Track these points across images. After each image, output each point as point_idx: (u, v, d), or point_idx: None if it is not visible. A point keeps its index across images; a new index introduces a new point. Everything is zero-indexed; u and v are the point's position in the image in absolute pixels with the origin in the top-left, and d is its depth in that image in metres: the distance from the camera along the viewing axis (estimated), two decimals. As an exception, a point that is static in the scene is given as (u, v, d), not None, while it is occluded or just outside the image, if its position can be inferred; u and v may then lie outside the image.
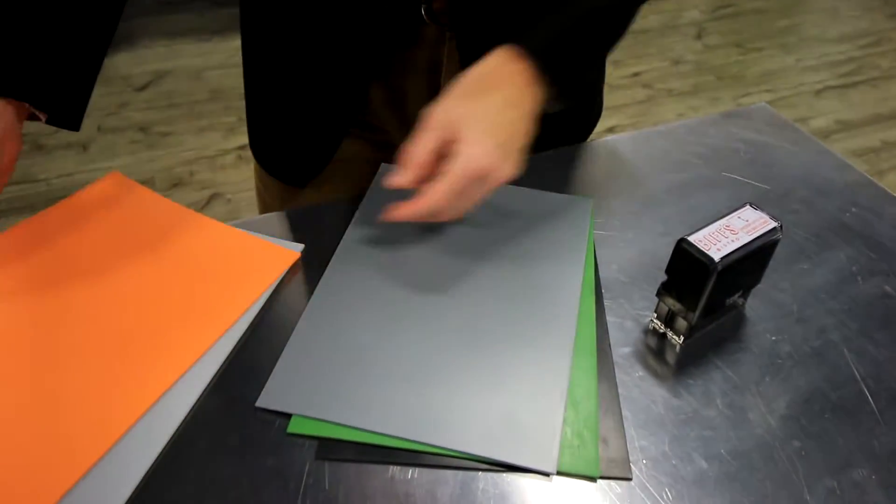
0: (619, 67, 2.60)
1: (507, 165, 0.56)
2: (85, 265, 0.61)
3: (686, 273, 0.55)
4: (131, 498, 0.47)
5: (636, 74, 2.58)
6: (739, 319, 0.61)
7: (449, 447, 0.50)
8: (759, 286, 0.61)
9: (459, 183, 0.55)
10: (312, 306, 0.59)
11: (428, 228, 0.66)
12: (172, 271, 0.61)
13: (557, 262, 0.64)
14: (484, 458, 0.49)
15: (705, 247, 0.53)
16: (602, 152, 0.79)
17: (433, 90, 0.76)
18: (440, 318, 0.59)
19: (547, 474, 0.49)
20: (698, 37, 2.88)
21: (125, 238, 0.64)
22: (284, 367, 0.54)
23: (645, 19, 2.93)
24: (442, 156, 0.57)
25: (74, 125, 0.66)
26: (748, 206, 0.57)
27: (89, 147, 2.17)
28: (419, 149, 0.57)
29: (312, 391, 0.53)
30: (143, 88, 2.43)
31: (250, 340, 0.57)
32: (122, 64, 2.55)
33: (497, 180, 0.57)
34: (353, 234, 0.66)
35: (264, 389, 0.53)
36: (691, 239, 0.54)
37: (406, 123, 0.80)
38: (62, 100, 0.65)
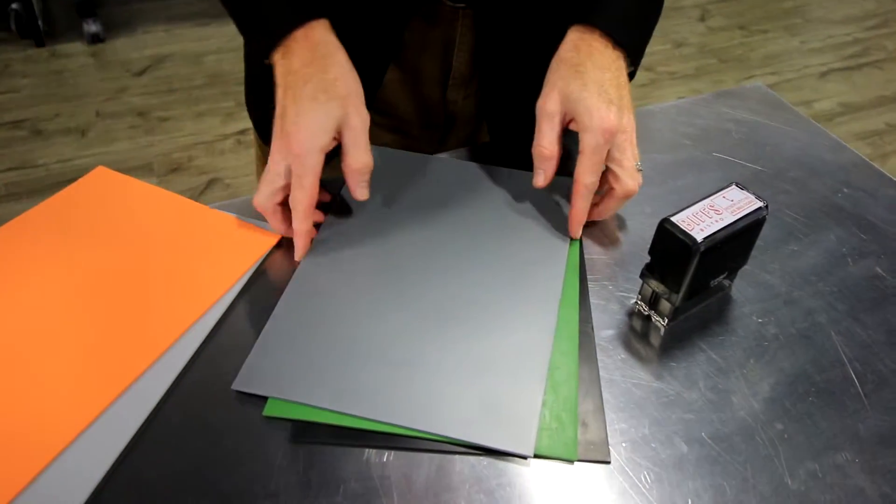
0: (622, 50, 2.57)
1: (626, 118, 0.59)
2: (68, 253, 0.61)
3: (669, 254, 0.54)
4: (105, 477, 0.46)
5: (638, 57, 2.55)
6: (726, 301, 0.60)
7: (426, 430, 0.49)
8: (746, 268, 0.60)
9: (596, 155, 0.59)
10: (291, 289, 0.58)
11: (410, 210, 0.66)
12: (152, 253, 0.61)
13: (540, 245, 0.63)
14: (461, 441, 0.49)
15: (688, 227, 0.52)
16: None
17: (446, 68, 0.76)
18: (420, 300, 0.58)
19: (524, 457, 0.48)
20: (702, 19, 2.84)
21: (109, 227, 0.64)
22: (261, 350, 0.54)
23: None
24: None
25: None
26: (734, 186, 0.56)
27: (88, 132, 2.17)
28: (546, 142, 0.61)
29: (289, 374, 0.52)
30: (141, 73, 2.42)
31: (228, 322, 0.56)
32: (121, 48, 2.54)
33: (625, 136, 0.59)
34: (335, 216, 0.65)
35: (240, 372, 0.52)
36: (674, 219, 0.53)
37: (420, 104, 0.79)
38: None
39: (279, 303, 0.57)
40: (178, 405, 0.51)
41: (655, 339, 0.57)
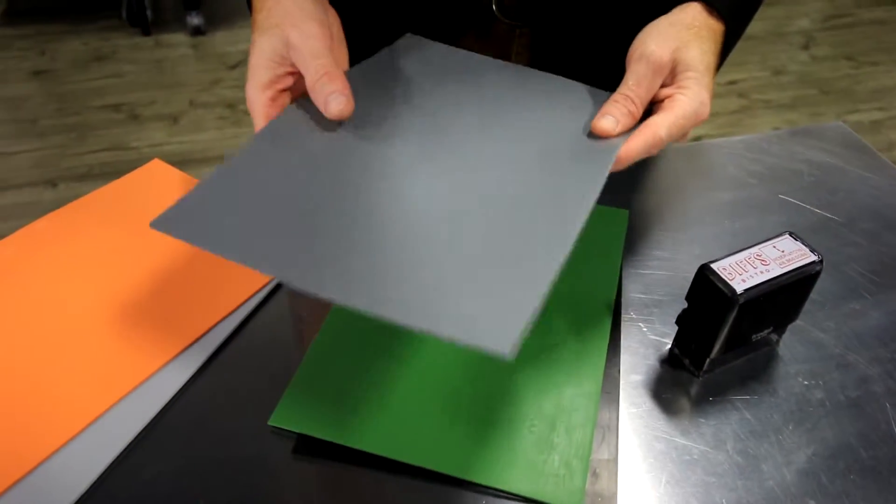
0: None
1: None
2: (104, 245, 0.63)
3: (706, 303, 0.50)
4: (105, 473, 0.47)
5: (732, 83, 2.45)
6: (770, 358, 0.55)
7: (387, 314, 0.37)
8: (798, 323, 0.56)
9: (687, 123, 0.51)
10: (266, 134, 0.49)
11: (432, 92, 0.56)
12: (182, 252, 0.62)
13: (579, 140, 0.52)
14: (427, 330, 0.37)
15: (729, 276, 0.48)
16: (649, 161, 0.74)
17: None
18: (422, 154, 0.49)
19: (501, 357, 0.36)
20: (805, 47, 2.70)
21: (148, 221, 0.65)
22: (205, 187, 0.45)
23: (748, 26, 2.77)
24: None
25: None
26: (787, 235, 0.51)
27: (180, 120, 2.26)
28: (644, 93, 0.52)
29: (230, 220, 0.43)
30: (234, 67, 2.51)
31: (247, 329, 0.57)
32: (219, 42, 2.64)
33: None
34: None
35: (170, 208, 0.42)
36: (714, 266, 0.49)
37: None
38: None
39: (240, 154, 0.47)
40: (186, 408, 0.51)
41: (686, 391, 0.53)
